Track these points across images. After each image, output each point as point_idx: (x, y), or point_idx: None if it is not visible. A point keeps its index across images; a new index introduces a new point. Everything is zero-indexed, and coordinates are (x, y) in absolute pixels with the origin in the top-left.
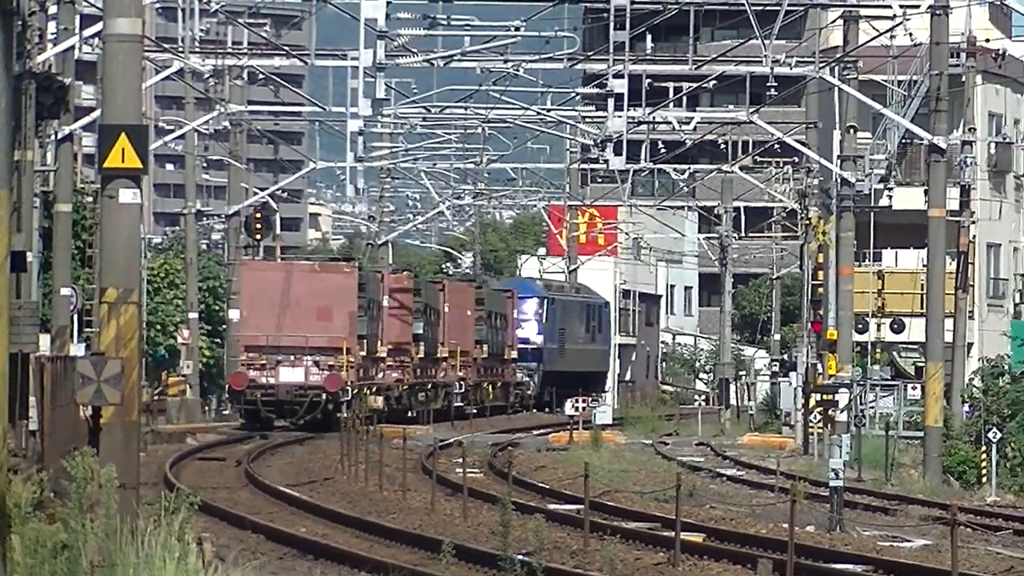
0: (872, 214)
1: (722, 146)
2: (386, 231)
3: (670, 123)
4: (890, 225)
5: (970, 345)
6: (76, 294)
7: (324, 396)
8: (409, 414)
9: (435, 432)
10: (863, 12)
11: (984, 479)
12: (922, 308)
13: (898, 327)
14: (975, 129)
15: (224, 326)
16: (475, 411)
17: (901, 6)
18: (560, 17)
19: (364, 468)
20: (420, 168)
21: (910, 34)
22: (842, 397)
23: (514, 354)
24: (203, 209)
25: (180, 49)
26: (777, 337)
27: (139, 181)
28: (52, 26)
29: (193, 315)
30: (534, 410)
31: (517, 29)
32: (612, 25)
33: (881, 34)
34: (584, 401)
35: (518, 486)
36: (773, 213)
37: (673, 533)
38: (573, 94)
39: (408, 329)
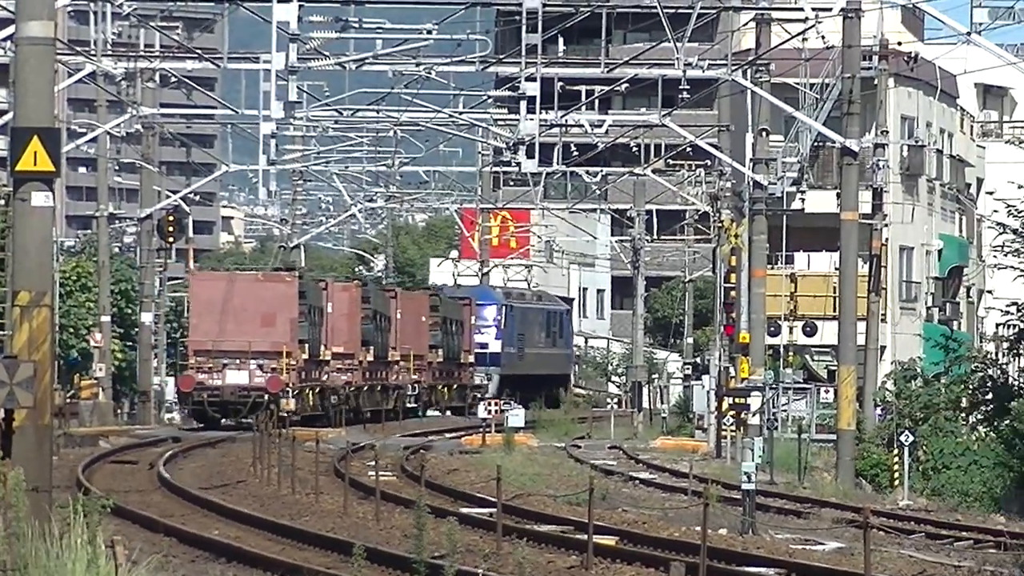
0: (784, 217)
1: (634, 149)
2: (298, 234)
3: (582, 126)
4: (802, 228)
5: (883, 348)
6: None
7: (266, 397)
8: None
9: (348, 435)
10: (775, 15)
11: (897, 482)
12: (835, 311)
13: (811, 330)
14: (887, 132)
15: (136, 329)
16: (426, 412)
17: (813, 9)
18: (472, 20)
19: (277, 471)
20: (332, 171)
21: (822, 37)
22: (755, 400)
23: (471, 358)
24: (115, 212)
25: (92, 52)
26: (690, 340)
27: (51, 184)
28: None
29: (105, 318)
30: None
31: (429, 32)
32: (524, 28)
33: (793, 37)
34: (497, 404)
35: (431, 489)
36: (685, 216)
37: (586, 536)
38: (485, 97)
39: (356, 334)
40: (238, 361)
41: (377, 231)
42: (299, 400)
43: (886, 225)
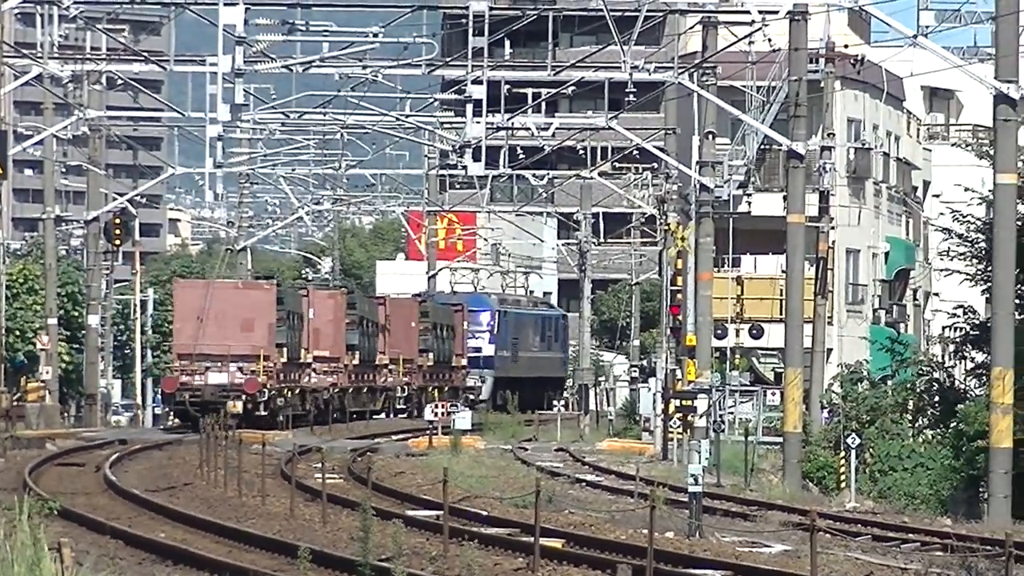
0: (731, 220)
1: (581, 152)
2: (245, 237)
3: (529, 129)
4: (749, 231)
5: (829, 351)
6: None
7: (244, 397)
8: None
9: (294, 438)
10: (722, 18)
11: (843, 484)
12: (781, 314)
13: (757, 333)
14: (834, 135)
15: (83, 332)
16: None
17: (760, 12)
18: (418, 23)
19: (223, 474)
20: (279, 174)
21: (769, 40)
22: (701, 403)
23: (464, 361)
24: (62, 215)
25: (39, 54)
26: (636, 343)
27: None
28: None
29: (52, 321)
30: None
31: (375, 35)
32: (471, 31)
33: (740, 40)
34: (443, 406)
35: (377, 492)
36: (632, 219)
37: (532, 539)
38: (432, 100)
39: (340, 339)
40: (219, 364)
41: (324, 234)
42: (277, 400)
43: (833, 228)
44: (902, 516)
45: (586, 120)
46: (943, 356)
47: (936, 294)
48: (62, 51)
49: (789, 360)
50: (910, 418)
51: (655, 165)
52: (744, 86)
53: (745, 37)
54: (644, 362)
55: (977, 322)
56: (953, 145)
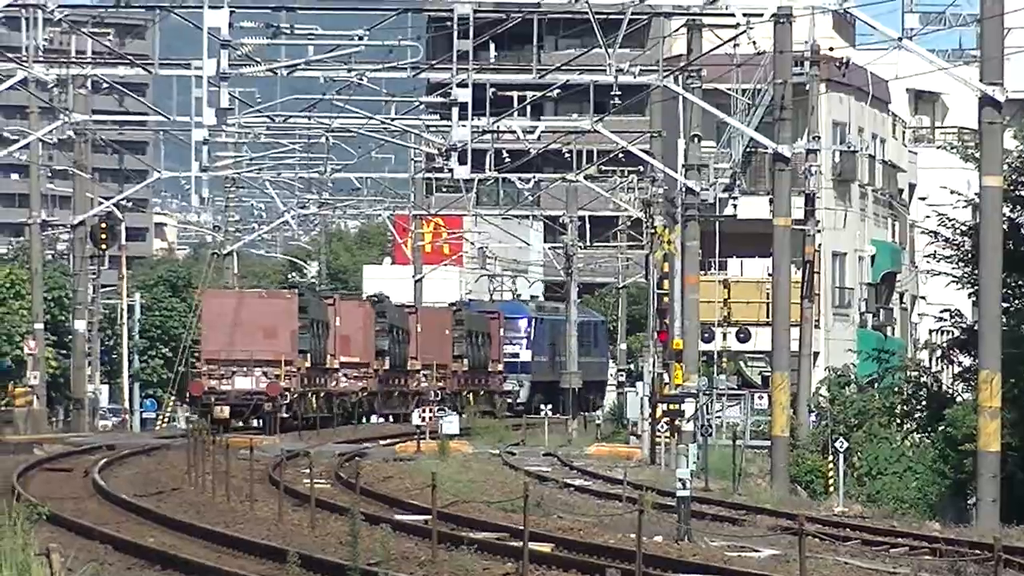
0: (717, 223)
1: (567, 155)
2: (231, 241)
3: (514, 132)
4: (735, 234)
5: (816, 354)
6: None
7: (267, 400)
8: (374, 418)
9: (282, 443)
10: (706, 20)
11: (831, 489)
12: (768, 317)
13: (744, 336)
14: (819, 138)
15: (70, 337)
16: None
17: (745, 14)
18: (404, 26)
19: (211, 479)
20: (265, 178)
21: (754, 43)
22: (688, 407)
23: (500, 367)
24: (48, 219)
25: (24, 58)
26: (623, 346)
27: None
28: None
29: (39, 326)
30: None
31: (360, 38)
32: (456, 34)
33: (725, 43)
34: (431, 411)
35: (366, 496)
36: (618, 222)
37: (521, 543)
38: (417, 103)
39: (369, 345)
40: (244, 369)
41: (310, 238)
42: (301, 403)
43: (819, 231)
44: (891, 520)
45: (572, 123)
46: (930, 360)
47: (923, 297)
48: (47, 55)
49: (776, 364)
50: (898, 422)
51: (641, 168)
52: (729, 89)
53: (730, 40)
54: (631, 366)
55: (964, 326)
56: (939, 148)
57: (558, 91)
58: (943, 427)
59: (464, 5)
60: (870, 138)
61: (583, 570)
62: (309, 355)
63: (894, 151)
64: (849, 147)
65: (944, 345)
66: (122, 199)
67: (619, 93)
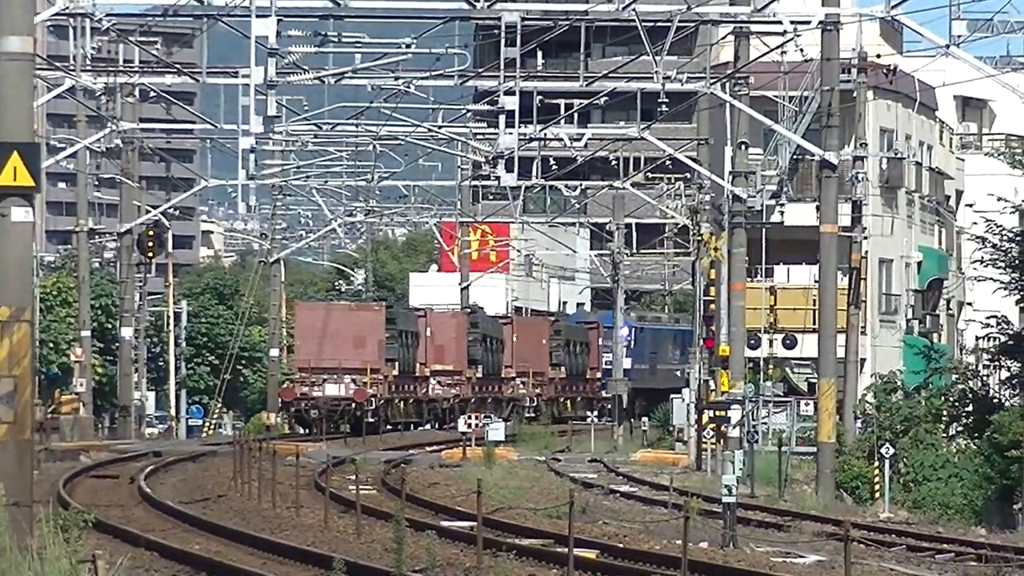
0: (764, 230)
1: (613, 162)
2: (278, 249)
3: (561, 140)
4: (782, 241)
5: (863, 361)
6: None
7: (353, 405)
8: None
9: (328, 449)
10: (754, 28)
11: (877, 495)
12: (814, 324)
13: (790, 343)
14: (866, 145)
15: (117, 344)
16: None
17: (792, 22)
18: (451, 34)
19: (257, 485)
20: (312, 185)
21: (801, 50)
22: (735, 413)
23: (598, 374)
24: (95, 227)
25: (72, 67)
26: None
27: (31, 199)
28: None
29: (86, 333)
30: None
31: (408, 46)
32: (503, 42)
33: (772, 50)
34: (477, 418)
35: (411, 503)
36: (665, 229)
37: (566, 550)
38: (464, 111)
39: (462, 354)
40: (334, 376)
41: (357, 245)
42: (388, 408)
43: (865, 238)
44: (936, 526)
45: (618, 130)
46: (977, 365)
47: (969, 304)
48: (95, 63)
49: (822, 370)
50: (944, 428)
51: (688, 175)
52: (776, 96)
53: (777, 47)
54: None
55: (1011, 332)
56: (986, 154)
57: (605, 98)
58: (989, 432)
59: (512, 13)
60: (917, 145)
61: None
62: (397, 363)
63: (941, 158)
64: (896, 154)
65: (992, 351)
66: (169, 207)
67: (666, 100)
